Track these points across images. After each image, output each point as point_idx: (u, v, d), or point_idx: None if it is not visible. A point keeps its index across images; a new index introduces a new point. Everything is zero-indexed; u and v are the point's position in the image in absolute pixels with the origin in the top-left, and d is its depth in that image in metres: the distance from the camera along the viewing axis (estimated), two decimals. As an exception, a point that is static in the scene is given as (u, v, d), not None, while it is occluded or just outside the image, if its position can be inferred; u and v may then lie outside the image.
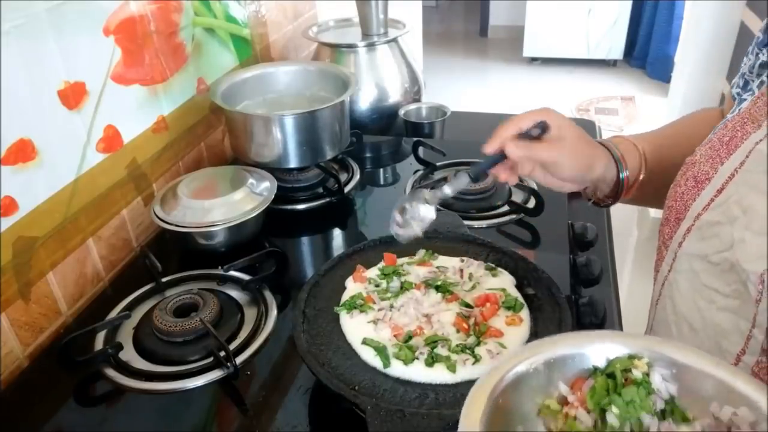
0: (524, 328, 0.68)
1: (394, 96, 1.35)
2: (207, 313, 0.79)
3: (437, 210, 0.94)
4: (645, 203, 0.84)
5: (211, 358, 0.74)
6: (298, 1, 1.56)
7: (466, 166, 1.14)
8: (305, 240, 1.07)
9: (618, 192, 0.77)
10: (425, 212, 0.73)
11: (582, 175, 0.74)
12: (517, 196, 1.05)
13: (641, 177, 0.76)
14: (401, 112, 1.34)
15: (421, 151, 1.18)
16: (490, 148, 0.71)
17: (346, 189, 1.11)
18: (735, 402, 0.43)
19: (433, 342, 0.66)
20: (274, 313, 0.83)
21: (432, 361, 0.63)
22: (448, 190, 0.74)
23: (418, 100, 1.40)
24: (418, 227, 0.73)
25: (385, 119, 1.36)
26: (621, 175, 0.75)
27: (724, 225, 0.57)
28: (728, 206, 0.57)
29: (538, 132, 0.72)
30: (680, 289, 0.63)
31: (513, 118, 0.72)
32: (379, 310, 0.71)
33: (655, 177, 0.76)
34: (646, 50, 4.47)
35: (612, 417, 0.44)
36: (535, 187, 1.05)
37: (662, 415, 0.45)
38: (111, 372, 0.74)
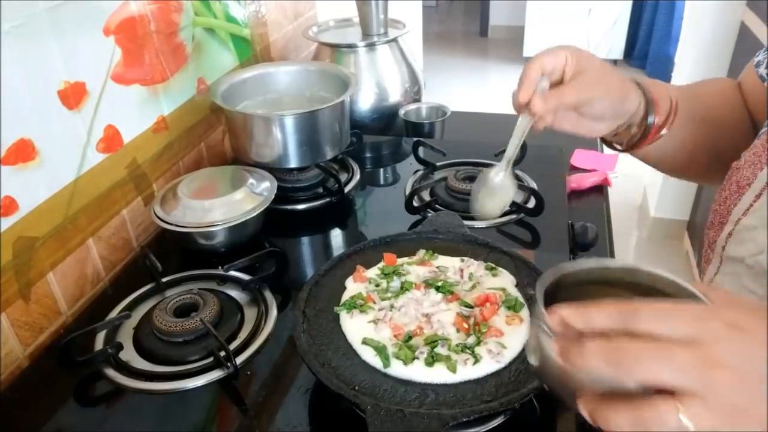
0: (524, 328, 0.68)
1: (394, 96, 1.35)
2: (207, 313, 0.79)
3: (436, 210, 0.94)
4: (648, 157, 0.80)
5: (211, 358, 0.74)
6: (298, 1, 1.56)
7: (466, 166, 1.14)
8: (305, 240, 1.07)
9: (645, 133, 0.73)
10: (502, 184, 0.75)
11: (616, 107, 0.70)
12: (517, 196, 1.05)
13: (664, 132, 0.73)
14: (401, 112, 1.34)
15: (421, 151, 1.18)
16: (523, 96, 0.67)
17: (346, 189, 1.11)
18: None
19: (433, 342, 0.66)
20: (274, 313, 0.83)
21: (432, 360, 0.63)
22: (497, 173, 0.74)
23: (418, 100, 1.40)
24: (500, 201, 0.75)
25: (385, 119, 1.36)
26: (650, 120, 0.71)
27: (759, 229, 0.57)
28: (764, 211, 0.57)
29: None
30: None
31: (533, 59, 0.67)
32: (380, 310, 0.71)
33: (674, 132, 0.74)
34: (646, 50, 4.47)
35: None
36: (535, 187, 1.05)
37: None
38: (111, 372, 0.74)
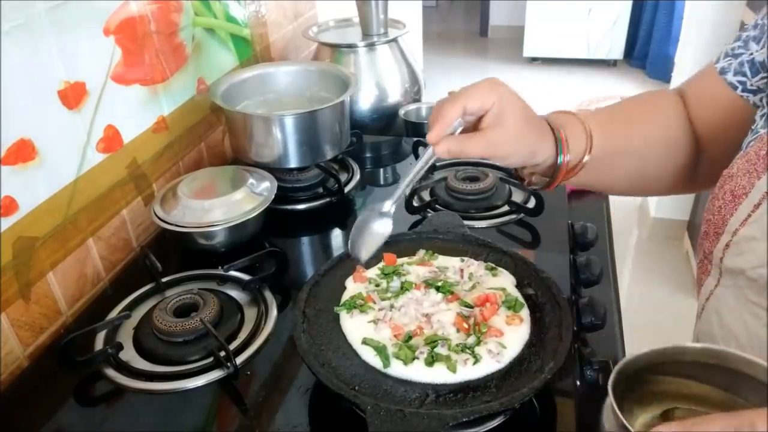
0: (524, 328, 0.68)
1: (394, 96, 1.35)
2: (207, 313, 0.79)
3: (436, 210, 0.95)
4: (587, 185, 0.78)
5: (211, 358, 0.74)
6: (298, 1, 1.56)
7: (466, 166, 1.14)
8: (305, 240, 1.07)
9: (554, 175, 0.70)
10: (381, 227, 0.69)
11: (522, 162, 0.69)
12: (517, 196, 1.05)
13: (585, 159, 0.69)
14: (401, 112, 1.34)
15: (421, 151, 1.17)
16: (435, 137, 0.63)
17: (346, 189, 1.11)
18: None
19: (433, 342, 0.66)
20: (274, 313, 0.83)
21: (432, 360, 0.63)
22: (388, 206, 0.69)
23: (418, 100, 1.40)
24: (375, 244, 0.68)
25: (385, 119, 1.36)
26: (559, 160, 0.68)
27: (760, 240, 0.56)
28: (764, 221, 0.56)
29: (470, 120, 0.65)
30: (728, 304, 0.62)
31: (459, 97, 0.64)
32: (380, 310, 0.71)
33: (600, 159, 0.71)
34: (646, 50, 4.47)
35: None
36: (535, 187, 1.05)
37: None
38: (111, 372, 0.74)
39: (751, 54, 0.68)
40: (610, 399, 0.47)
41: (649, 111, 0.77)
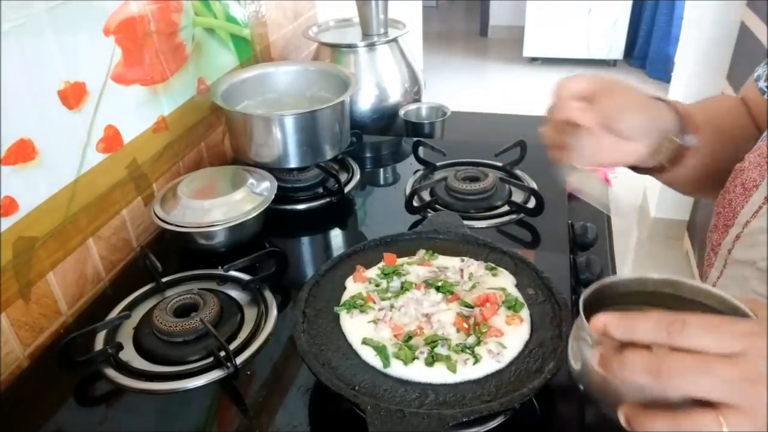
0: (524, 328, 0.68)
1: (394, 96, 1.35)
2: (207, 313, 0.79)
3: (436, 210, 0.95)
4: (680, 180, 0.76)
5: (211, 358, 0.74)
6: (298, 1, 1.56)
7: (466, 166, 1.14)
8: (305, 240, 1.07)
9: (678, 155, 0.69)
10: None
11: (651, 125, 0.66)
12: (517, 196, 1.05)
13: (693, 142, 0.69)
14: (401, 112, 1.34)
15: (421, 151, 1.18)
16: (561, 115, 0.64)
17: (346, 189, 1.11)
18: None
19: (433, 342, 0.66)
20: (274, 313, 0.83)
21: (432, 360, 0.63)
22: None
23: (418, 100, 1.40)
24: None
25: (385, 119, 1.36)
26: (685, 137, 0.68)
27: None
28: None
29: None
30: (731, 295, 0.63)
31: (568, 83, 0.65)
32: (380, 310, 0.71)
33: (705, 148, 0.70)
34: (646, 50, 4.47)
35: None
36: (535, 187, 1.06)
37: None
38: (111, 372, 0.74)
39: None
40: (581, 314, 0.48)
41: (725, 112, 0.78)
